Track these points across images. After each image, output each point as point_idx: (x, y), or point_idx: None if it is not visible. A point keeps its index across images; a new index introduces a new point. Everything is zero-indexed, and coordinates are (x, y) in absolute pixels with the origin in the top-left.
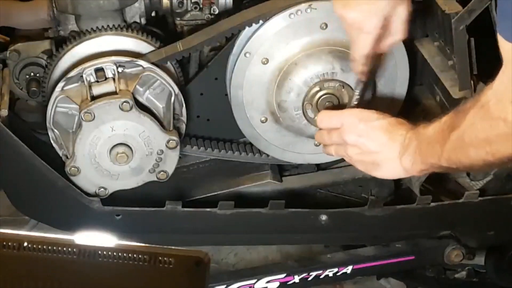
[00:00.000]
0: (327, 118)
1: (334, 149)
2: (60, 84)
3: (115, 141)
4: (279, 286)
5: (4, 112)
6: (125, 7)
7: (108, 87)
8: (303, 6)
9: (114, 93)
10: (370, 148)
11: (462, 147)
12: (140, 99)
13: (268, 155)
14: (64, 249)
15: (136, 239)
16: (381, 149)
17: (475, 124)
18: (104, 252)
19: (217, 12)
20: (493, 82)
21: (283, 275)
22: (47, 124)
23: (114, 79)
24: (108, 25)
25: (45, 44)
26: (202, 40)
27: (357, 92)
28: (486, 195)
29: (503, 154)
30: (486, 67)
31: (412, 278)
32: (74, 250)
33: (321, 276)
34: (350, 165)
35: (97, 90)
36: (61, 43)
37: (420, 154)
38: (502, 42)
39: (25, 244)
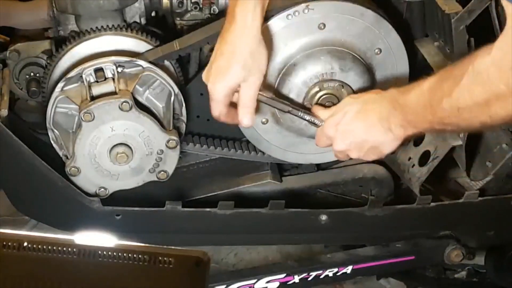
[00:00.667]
0: (318, 140)
1: (344, 157)
2: (60, 85)
3: (115, 141)
4: (279, 286)
5: (4, 112)
6: (125, 7)
7: (108, 87)
8: (300, 7)
9: (114, 93)
10: (362, 139)
11: (457, 113)
12: (140, 99)
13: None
14: (64, 249)
15: (136, 239)
16: (368, 133)
17: (471, 90)
18: (104, 252)
19: (217, 12)
20: (490, 48)
21: (283, 275)
22: (47, 124)
23: (113, 79)
24: (108, 25)
25: (45, 44)
26: (199, 39)
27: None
28: (486, 195)
29: (501, 115)
30: None
31: (412, 278)
32: (74, 250)
33: (321, 276)
34: (350, 165)
35: (96, 90)
36: (61, 43)
37: (409, 123)
38: (506, 5)
39: (25, 244)
